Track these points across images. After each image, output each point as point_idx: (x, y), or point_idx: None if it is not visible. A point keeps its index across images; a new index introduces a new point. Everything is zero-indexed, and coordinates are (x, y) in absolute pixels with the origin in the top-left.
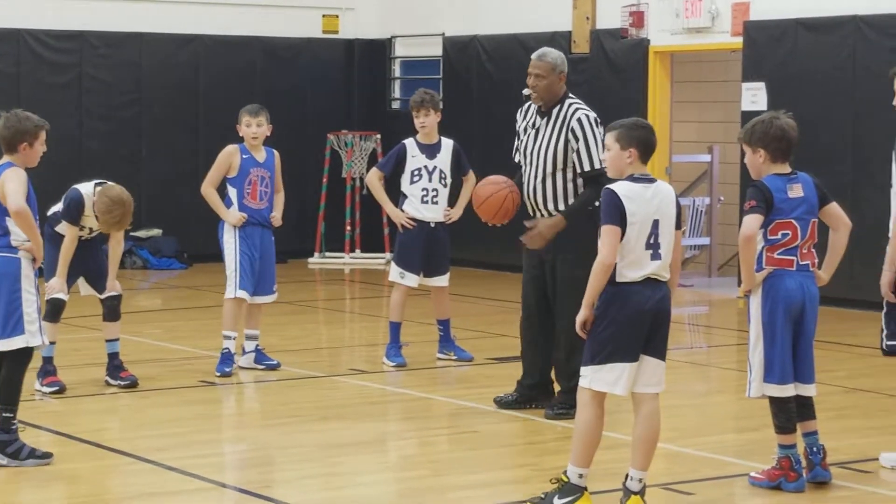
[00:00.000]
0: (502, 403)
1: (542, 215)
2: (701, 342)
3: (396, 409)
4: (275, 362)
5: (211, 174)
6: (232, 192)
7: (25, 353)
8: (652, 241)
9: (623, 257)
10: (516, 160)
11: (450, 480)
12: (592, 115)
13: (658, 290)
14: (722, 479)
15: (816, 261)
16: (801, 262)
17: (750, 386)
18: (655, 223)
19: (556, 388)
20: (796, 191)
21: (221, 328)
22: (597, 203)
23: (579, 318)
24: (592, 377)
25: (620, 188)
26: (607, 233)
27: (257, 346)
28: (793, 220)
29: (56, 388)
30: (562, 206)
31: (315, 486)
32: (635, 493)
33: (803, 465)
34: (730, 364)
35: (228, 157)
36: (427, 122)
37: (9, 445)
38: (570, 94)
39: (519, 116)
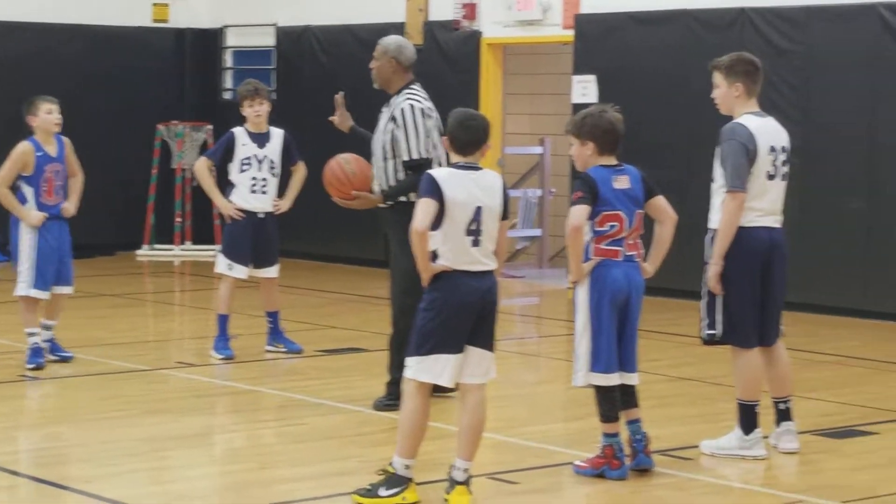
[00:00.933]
0: (378, 406)
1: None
2: (531, 332)
3: (224, 402)
4: (69, 354)
5: (3, 173)
6: (28, 191)
7: None
8: (473, 227)
9: (444, 242)
10: None
11: (277, 473)
12: (420, 105)
13: (485, 280)
14: (548, 468)
15: (643, 252)
16: (627, 253)
17: (576, 375)
18: (477, 210)
19: None
20: (622, 182)
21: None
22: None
23: (423, 283)
24: (417, 368)
25: (439, 173)
26: (421, 204)
27: (51, 336)
28: (619, 212)
29: None
30: None
31: (140, 480)
32: (460, 483)
33: (626, 453)
34: (559, 354)
35: (23, 157)
36: (262, 110)
37: None
38: (413, 85)
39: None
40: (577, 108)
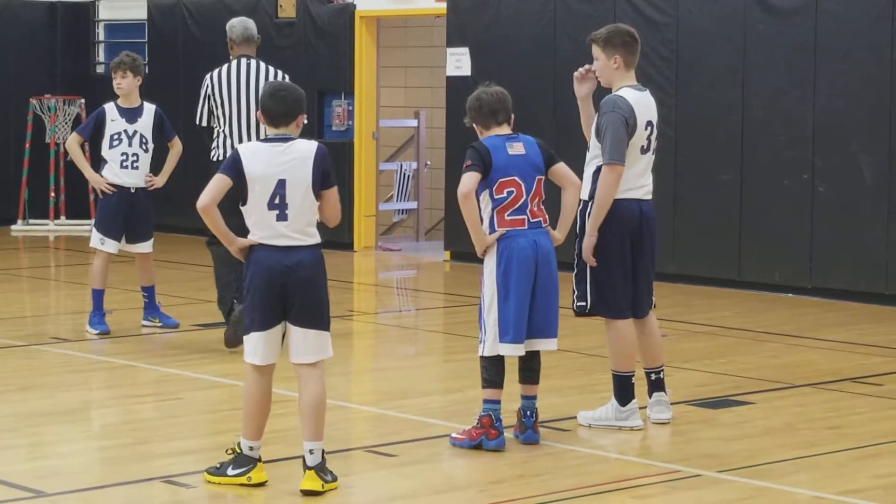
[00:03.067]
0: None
1: None
2: (408, 305)
3: (100, 378)
4: None
5: None
6: None
7: None
8: (277, 201)
9: (249, 217)
10: None
11: (153, 448)
12: (211, 73)
13: (292, 255)
14: (426, 440)
15: (547, 218)
16: (531, 220)
17: (483, 345)
18: (280, 182)
19: None
20: (517, 149)
21: None
22: None
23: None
24: (245, 349)
25: (245, 147)
26: (214, 179)
27: None
28: (516, 178)
29: None
30: None
31: (16, 456)
32: (310, 468)
33: (515, 427)
34: (437, 327)
35: None
36: (123, 83)
37: None
38: (235, 58)
39: None
40: (452, 80)
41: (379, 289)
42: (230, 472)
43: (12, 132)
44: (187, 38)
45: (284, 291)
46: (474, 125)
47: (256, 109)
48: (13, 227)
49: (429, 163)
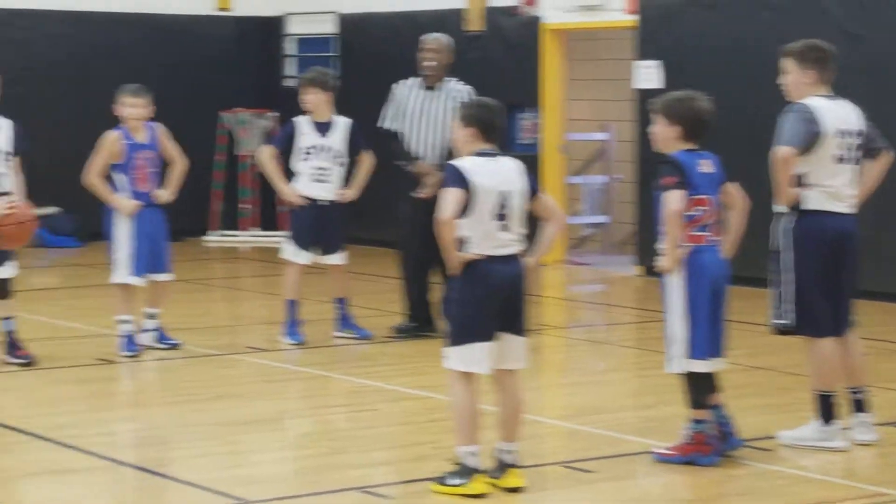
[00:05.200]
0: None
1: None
2: (598, 320)
3: (295, 388)
4: (176, 341)
5: (93, 163)
6: (120, 179)
7: None
8: (500, 212)
9: (474, 229)
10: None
11: (348, 458)
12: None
13: (513, 265)
14: (623, 456)
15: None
16: (713, 238)
17: (671, 361)
18: (502, 194)
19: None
20: (707, 166)
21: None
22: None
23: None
24: (455, 357)
25: (463, 162)
26: (447, 193)
27: (158, 325)
28: (706, 196)
29: (25, 360)
30: None
31: (212, 464)
32: (511, 466)
33: (717, 437)
34: (627, 342)
35: (111, 145)
36: (309, 100)
37: None
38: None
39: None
40: (642, 93)
41: (569, 303)
42: (450, 481)
43: (204, 145)
44: (376, 51)
45: (507, 300)
46: (676, 124)
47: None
48: (205, 237)
49: (618, 176)
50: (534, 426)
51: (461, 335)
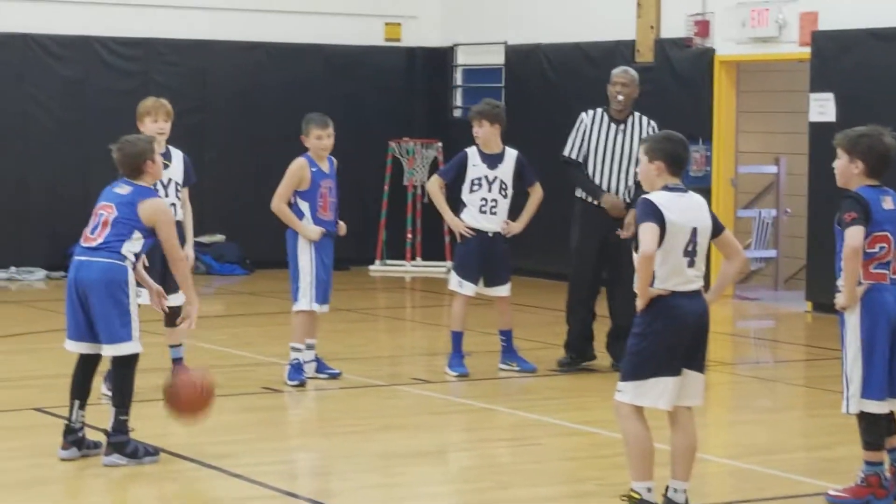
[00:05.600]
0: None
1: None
2: (767, 357)
3: (458, 420)
4: (336, 371)
5: (281, 189)
6: (304, 206)
7: (133, 358)
8: (690, 248)
9: (663, 264)
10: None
11: (513, 493)
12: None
13: (699, 302)
14: (793, 497)
15: None
16: (893, 276)
17: (847, 402)
18: (693, 231)
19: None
20: (889, 203)
21: (289, 338)
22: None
23: (639, 305)
24: (634, 392)
25: (656, 197)
26: (646, 229)
27: (316, 354)
28: (888, 233)
29: None
30: None
31: (375, 496)
32: None
33: (893, 480)
34: (797, 380)
35: (299, 172)
36: (480, 133)
37: (126, 446)
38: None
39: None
40: (815, 126)
41: (736, 338)
42: None
43: (371, 175)
44: (544, 83)
45: (692, 337)
46: (858, 160)
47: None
48: (371, 267)
49: (788, 210)
50: (702, 465)
51: (642, 370)
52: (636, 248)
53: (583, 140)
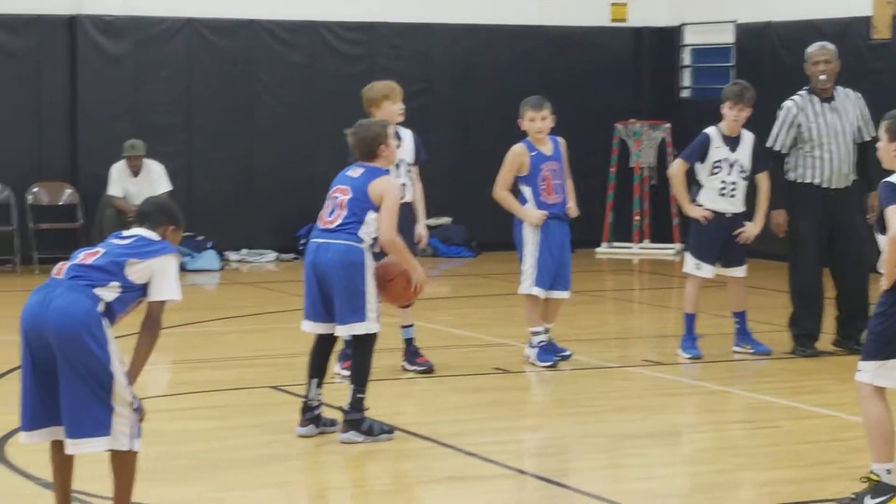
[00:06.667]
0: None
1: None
2: None
3: (692, 402)
4: (568, 353)
5: (501, 176)
6: (526, 191)
7: (371, 338)
8: None
9: None
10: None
11: (751, 476)
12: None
13: None
14: None
15: None
16: None
17: None
18: None
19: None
20: None
21: (517, 320)
22: None
23: (884, 285)
24: (876, 372)
25: None
26: (893, 212)
27: (549, 338)
28: None
29: (425, 368)
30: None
31: (613, 476)
32: None
33: None
34: None
35: (518, 158)
36: (736, 116)
37: (362, 424)
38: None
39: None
40: None
41: None
42: (868, 501)
43: (598, 157)
44: (774, 61)
45: None
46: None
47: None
48: (598, 249)
49: None
50: None
51: (885, 350)
52: (882, 230)
53: (789, 129)
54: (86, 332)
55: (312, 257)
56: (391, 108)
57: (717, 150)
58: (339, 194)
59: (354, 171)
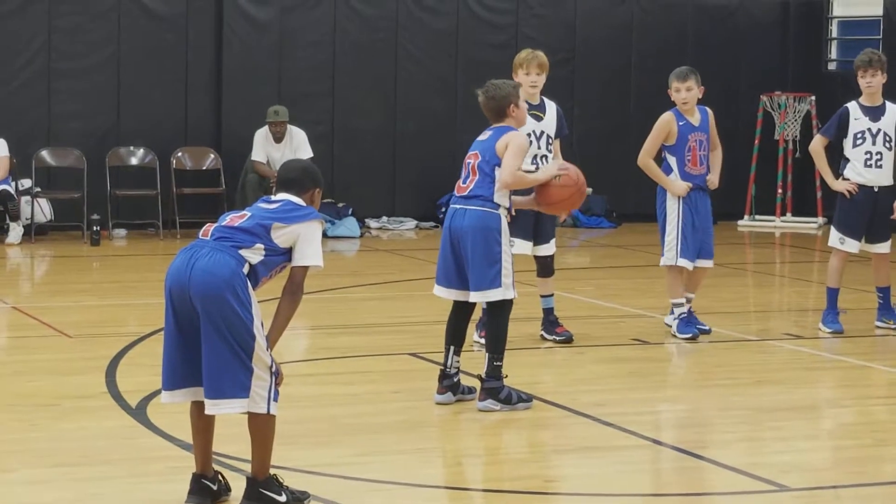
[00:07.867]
0: None
1: None
2: None
3: (833, 376)
4: (707, 328)
5: (648, 144)
6: (672, 160)
7: (507, 305)
8: None
9: None
10: None
11: (891, 451)
12: None
13: None
14: None
15: None
16: None
17: None
18: None
19: None
20: None
21: (657, 292)
22: None
23: None
24: None
25: None
26: None
27: (690, 309)
28: None
29: (564, 338)
30: None
31: (751, 449)
32: None
33: None
34: None
35: (666, 126)
36: (874, 82)
37: (500, 392)
38: None
39: None
40: None
41: None
42: None
43: (742, 129)
44: None
45: None
46: None
47: None
48: (740, 222)
49: None
50: None
51: None
52: None
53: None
54: (230, 292)
55: (449, 222)
56: (524, 79)
57: (857, 122)
58: (471, 160)
59: (484, 135)
